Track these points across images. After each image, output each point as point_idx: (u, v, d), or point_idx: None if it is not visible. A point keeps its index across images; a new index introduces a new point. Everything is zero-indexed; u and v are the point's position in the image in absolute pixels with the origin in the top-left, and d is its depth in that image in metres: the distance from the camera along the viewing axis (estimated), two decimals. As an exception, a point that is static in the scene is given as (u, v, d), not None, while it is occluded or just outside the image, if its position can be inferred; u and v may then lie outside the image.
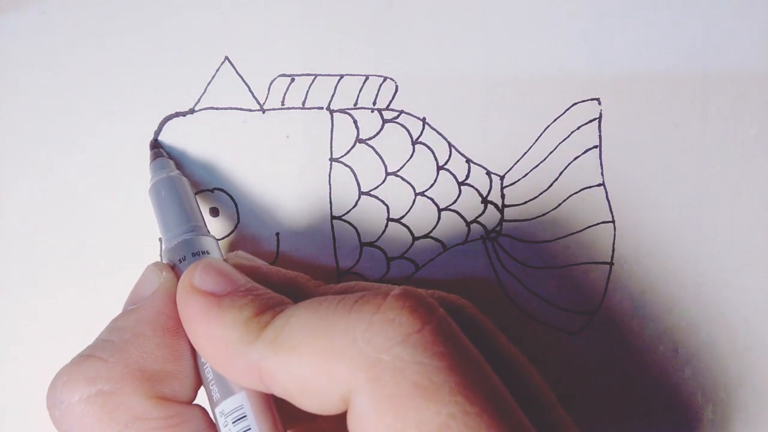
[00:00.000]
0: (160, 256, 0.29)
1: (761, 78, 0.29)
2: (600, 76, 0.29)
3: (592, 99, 0.29)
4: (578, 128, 0.29)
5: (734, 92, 0.29)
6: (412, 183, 0.29)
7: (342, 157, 0.29)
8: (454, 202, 0.29)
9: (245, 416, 0.22)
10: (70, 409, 0.22)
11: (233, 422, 0.22)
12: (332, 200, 0.29)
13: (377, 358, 0.19)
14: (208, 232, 0.26)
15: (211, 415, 0.23)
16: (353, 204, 0.29)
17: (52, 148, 0.30)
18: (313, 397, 0.20)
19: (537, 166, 0.29)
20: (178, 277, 0.24)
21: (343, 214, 0.29)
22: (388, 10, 0.29)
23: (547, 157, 0.29)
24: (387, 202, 0.29)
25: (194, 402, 0.24)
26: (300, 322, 0.21)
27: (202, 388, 0.24)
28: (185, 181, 0.27)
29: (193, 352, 0.23)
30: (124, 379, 0.22)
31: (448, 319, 0.20)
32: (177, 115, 0.29)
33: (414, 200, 0.29)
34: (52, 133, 0.30)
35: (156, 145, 0.29)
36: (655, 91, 0.29)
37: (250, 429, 0.22)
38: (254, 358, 0.21)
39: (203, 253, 0.25)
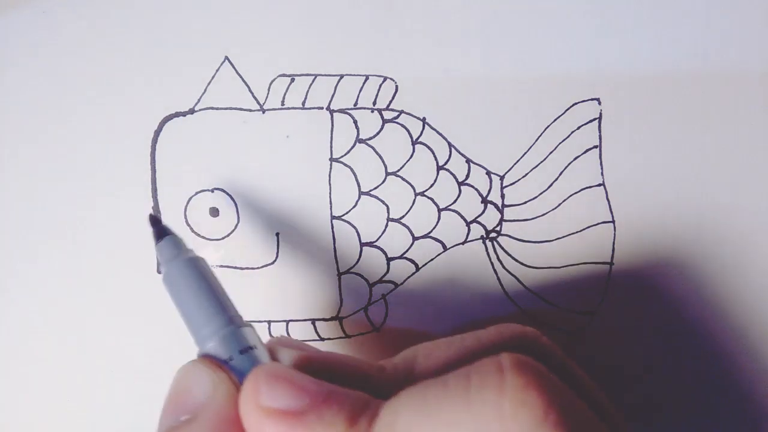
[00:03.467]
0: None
1: (761, 78, 0.29)
2: (600, 76, 0.29)
3: (592, 99, 0.29)
4: (578, 128, 0.29)
5: (734, 92, 0.29)
6: (412, 183, 0.29)
7: (342, 157, 0.29)
8: (454, 202, 0.29)
9: None
10: None
11: None
12: (332, 200, 0.29)
13: None
14: (242, 319, 0.23)
15: None
16: (353, 204, 0.29)
17: (52, 148, 0.30)
18: None
19: (537, 166, 0.29)
20: (227, 375, 0.21)
21: (343, 214, 0.29)
22: (388, 10, 0.29)
23: (547, 157, 0.29)
24: (387, 202, 0.29)
25: None
26: (411, 421, 0.18)
27: None
28: (202, 261, 0.24)
29: None
30: None
31: (567, 392, 0.19)
32: (177, 115, 0.29)
33: (414, 200, 0.29)
34: (52, 133, 0.30)
35: (157, 221, 0.25)
36: (655, 91, 0.29)
37: None
38: None
39: (250, 348, 0.22)
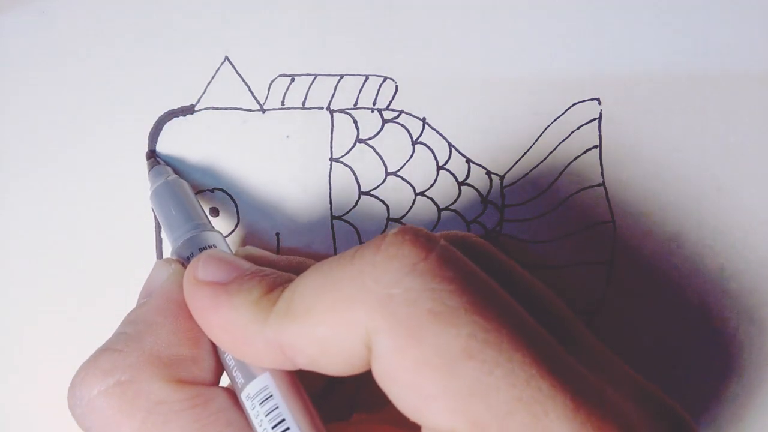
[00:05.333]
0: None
1: (761, 78, 0.29)
2: (600, 76, 0.29)
3: (592, 99, 0.29)
4: (578, 128, 0.29)
5: (734, 92, 0.29)
6: (412, 183, 0.29)
7: (342, 157, 0.29)
8: (454, 202, 0.29)
9: (271, 396, 0.22)
10: (90, 404, 0.22)
11: (260, 403, 0.22)
12: (332, 200, 0.29)
13: (388, 294, 0.19)
14: (213, 228, 0.27)
15: (240, 402, 0.23)
16: (353, 204, 0.29)
17: (52, 148, 0.30)
18: (337, 356, 0.20)
19: (537, 166, 0.29)
20: (182, 266, 0.25)
21: (343, 214, 0.29)
22: (388, 10, 0.29)
23: (547, 157, 0.29)
24: (387, 202, 0.29)
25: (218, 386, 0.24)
26: (307, 286, 0.20)
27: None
28: (184, 183, 0.28)
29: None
30: (140, 366, 0.22)
31: (450, 247, 0.20)
32: (177, 115, 0.29)
33: (414, 200, 0.29)
34: (52, 134, 0.30)
35: (152, 155, 0.29)
36: (655, 91, 0.29)
37: (277, 407, 0.22)
38: (271, 335, 0.20)
39: (210, 247, 0.25)
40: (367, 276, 0.19)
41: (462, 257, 0.20)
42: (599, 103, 0.29)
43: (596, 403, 0.18)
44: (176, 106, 0.29)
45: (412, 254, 0.19)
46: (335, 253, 0.29)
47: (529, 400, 0.17)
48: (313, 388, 0.24)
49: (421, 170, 0.29)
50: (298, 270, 0.23)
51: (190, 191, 0.28)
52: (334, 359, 0.20)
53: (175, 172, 0.29)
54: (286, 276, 0.22)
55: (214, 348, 0.23)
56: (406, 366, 0.18)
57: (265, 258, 0.26)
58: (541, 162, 0.29)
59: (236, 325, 0.21)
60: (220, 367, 0.24)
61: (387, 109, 0.29)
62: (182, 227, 0.26)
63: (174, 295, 0.24)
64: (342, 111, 0.29)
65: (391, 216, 0.29)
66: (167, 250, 0.30)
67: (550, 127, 0.29)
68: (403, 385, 0.19)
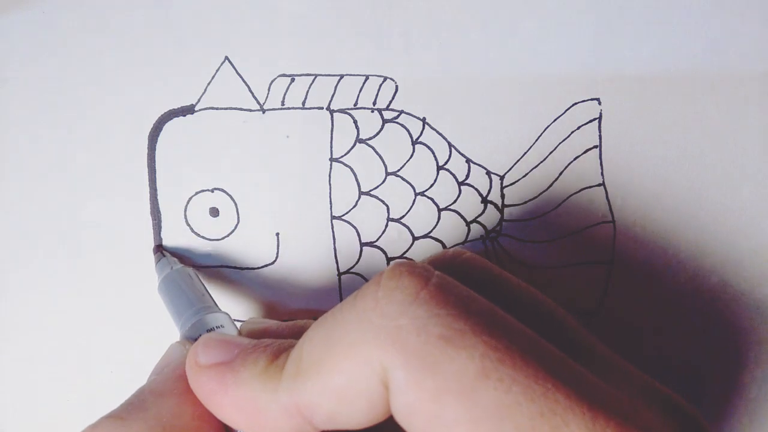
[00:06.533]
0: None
1: (761, 78, 0.29)
2: (600, 76, 0.29)
3: (592, 99, 0.29)
4: (578, 128, 0.29)
5: (734, 92, 0.29)
6: (412, 183, 0.29)
7: (342, 157, 0.29)
8: (454, 202, 0.29)
9: None
10: None
11: None
12: (332, 200, 0.29)
13: (396, 325, 0.19)
14: (219, 309, 0.27)
15: None
16: (353, 204, 0.29)
17: (52, 148, 0.30)
18: (357, 403, 0.19)
19: (537, 166, 0.29)
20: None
21: (343, 214, 0.29)
22: (388, 10, 0.29)
23: (547, 157, 0.29)
24: (387, 202, 0.29)
25: None
26: (313, 341, 0.20)
27: None
28: (189, 271, 0.28)
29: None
30: None
31: (445, 275, 0.20)
32: (177, 115, 0.29)
33: (414, 200, 0.29)
34: (52, 134, 0.30)
35: (159, 249, 0.30)
36: (655, 91, 0.29)
37: None
38: (286, 399, 0.20)
39: (217, 328, 0.26)
40: (372, 313, 0.19)
41: (458, 284, 0.20)
42: (599, 103, 0.29)
43: (614, 411, 0.18)
44: (176, 106, 0.29)
45: (413, 285, 0.19)
46: (335, 254, 0.30)
47: (550, 414, 0.18)
48: None
49: (421, 170, 0.29)
50: (300, 334, 0.23)
51: (195, 277, 0.28)
52: (354, 408, 0.20)
53: (181, 261, 0.29)
54: (288, 342, 0.22)
55: (221, 425, 0.23)
56: (426, 396, 0.18)
57: (267, 329, 0.26)
58: (541, 162, 0.29)
59: (247, 400, 0.21)
60: None
61: (387, 109, 0.29)
62: (188, 311, 0.27)
63: (184, 371, 0.23)
64: (342, 111, 0.29)
65: (391, 216, 0.29)
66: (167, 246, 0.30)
67: (550, 127, 0.29)
68: (425, 417, 0.18)
